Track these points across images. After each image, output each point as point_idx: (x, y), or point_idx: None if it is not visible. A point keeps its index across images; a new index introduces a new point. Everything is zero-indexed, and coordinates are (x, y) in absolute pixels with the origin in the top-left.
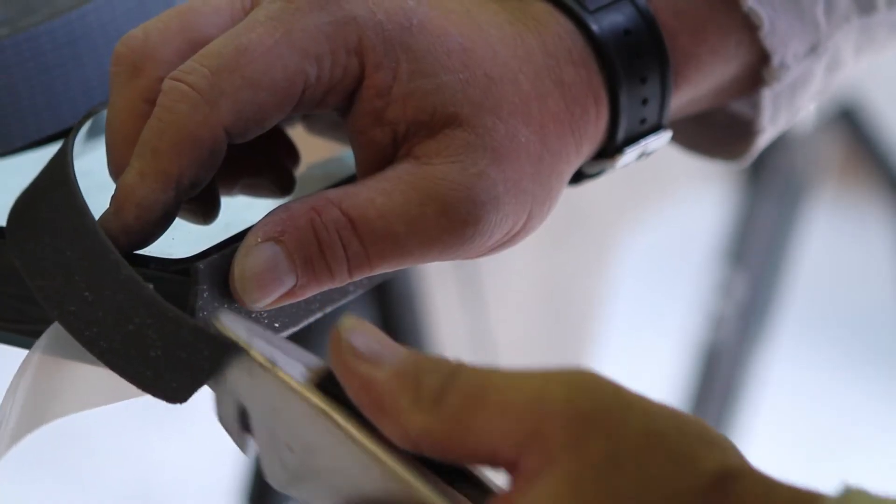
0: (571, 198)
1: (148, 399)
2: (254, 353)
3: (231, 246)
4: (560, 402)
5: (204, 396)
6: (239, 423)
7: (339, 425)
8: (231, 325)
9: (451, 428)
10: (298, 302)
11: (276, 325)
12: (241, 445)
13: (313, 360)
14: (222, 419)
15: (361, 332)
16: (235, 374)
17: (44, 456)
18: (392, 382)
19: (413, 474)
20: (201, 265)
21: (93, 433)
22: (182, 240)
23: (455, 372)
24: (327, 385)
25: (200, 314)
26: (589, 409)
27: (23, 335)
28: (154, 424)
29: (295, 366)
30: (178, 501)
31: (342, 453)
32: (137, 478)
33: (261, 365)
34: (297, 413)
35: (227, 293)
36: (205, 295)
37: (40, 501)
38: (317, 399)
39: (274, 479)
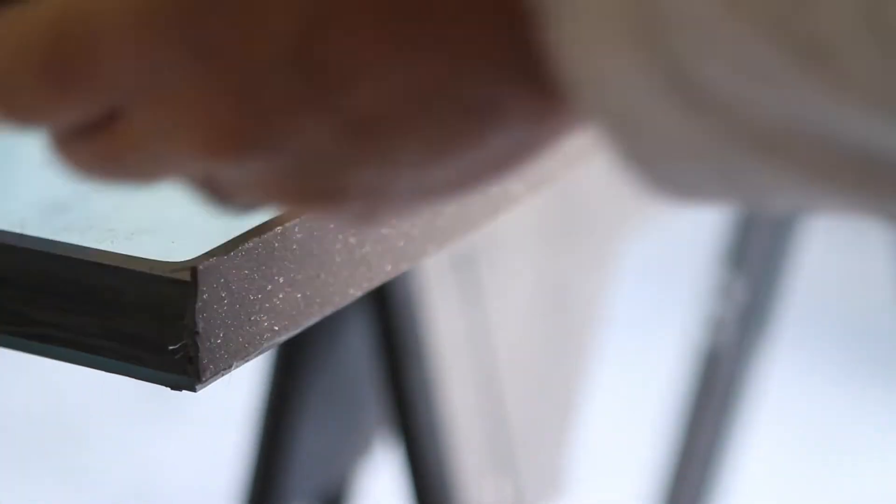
0: (572, 200)
1: (148, 398)
2: None
3: (231, 248)
4: None
5: (204, 397)
6: None
7: None
8: None
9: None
10: (298, 304)
11: (276, 327)
12: None
13: None
14: None
15: None
16: None
17: (43, 455)
18: None
19: None
20: (201, 267)
21: (93, 432)
22: (182, 242)
23: None
24: None
25: (201, 316)
26: None
27: (23, 338)
28: (154, 424)
29: None
30: (178, 501)
31: None
32: (137, 478)
33: None
34: None
35: (227, 294)
36: (205, 297)
37: (40, 501)
38: None
39: None
